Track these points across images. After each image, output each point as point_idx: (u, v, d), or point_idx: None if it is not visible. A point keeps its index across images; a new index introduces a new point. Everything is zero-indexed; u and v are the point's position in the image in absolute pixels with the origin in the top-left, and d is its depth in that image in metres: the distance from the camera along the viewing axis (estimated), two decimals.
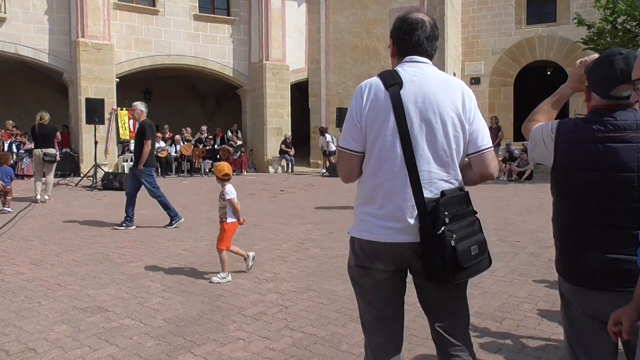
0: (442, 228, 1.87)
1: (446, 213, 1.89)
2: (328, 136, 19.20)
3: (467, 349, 2.06)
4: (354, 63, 20.46)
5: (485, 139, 2.02)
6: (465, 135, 1.99)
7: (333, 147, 19.36)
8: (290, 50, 20.38)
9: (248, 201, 10.91)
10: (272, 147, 19.66)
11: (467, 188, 2.07)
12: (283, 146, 19.43)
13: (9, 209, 9.05)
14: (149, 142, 7.53)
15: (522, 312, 3.97)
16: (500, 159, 15.33)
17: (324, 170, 18.00)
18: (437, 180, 1.94)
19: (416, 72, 1.98)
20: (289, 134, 19.74)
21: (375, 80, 2.00)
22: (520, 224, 7.62)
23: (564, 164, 1.86)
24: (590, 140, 1.81)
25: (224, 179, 5.16)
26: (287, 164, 19.80)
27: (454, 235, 1.88)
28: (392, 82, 1.95)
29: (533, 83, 19.43)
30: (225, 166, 5.28)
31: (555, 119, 2.07)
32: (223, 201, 5.14)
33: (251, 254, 5.28)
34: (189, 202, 10.72)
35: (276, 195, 12.10)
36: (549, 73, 20.00)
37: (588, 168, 1.80)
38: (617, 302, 1.76)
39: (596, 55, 1.95)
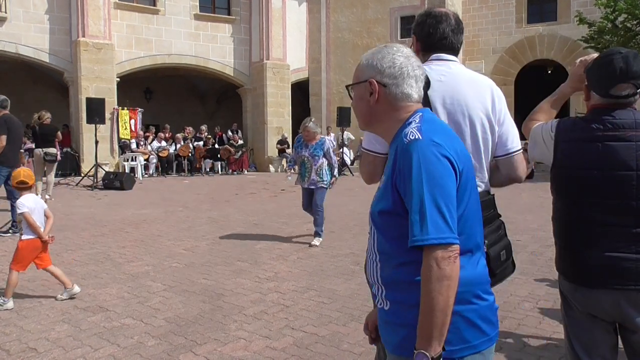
0: None
1: None
2: (333, 135, 19.26)
3: None
4: (354, 62, 20.41)
5: (515, 141, 1.96)
6: (495, 137, 1.93)
7: (333, 144, 19.44)
8: (290, 49, 20.37)
9: (249, 200, 10.91)
10: (273, 146, 19.67)
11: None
12: (279, 146, 19.45)
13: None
14: (3, 137, 7.04)
15: (523, 311, 3.97)
16: None
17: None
18: None
19: (444, 72, 1.92)
20: (285, 133, 19.74)
21: None
22: (521, 223, 7.61)
23: (563, 162, 1.87)
24: (589, 139, 1.81)
25: (20, 187, 4.34)
26: (288, 163, 19.81)
27: (486, 241, 1.81)
28: None
29: (534, 82, 19.41)
30: (21, 172, 4.42)
31: (556, 118, 2.07)
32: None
33: (76, 289, 4.31)
34: (189, 201, 10.72)
35: (277, 194, 12.10)
36: (549, 72, 19.98)
37: (587, 167, 1.80)
38: (617, 300, 1.77)
39: (596, 55, 1.95)
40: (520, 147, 1.99)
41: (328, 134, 19.52)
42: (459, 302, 1.30)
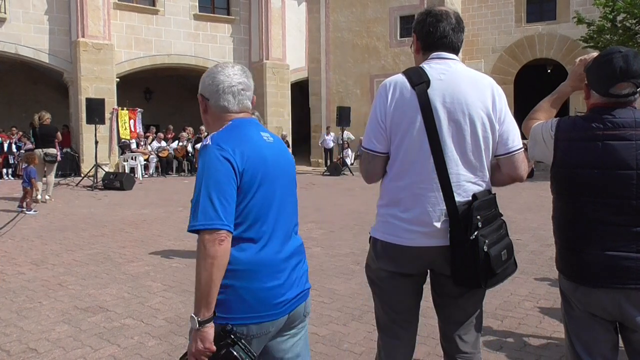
0: (475, 233, 1.83)
1: (478, 217, 1.84)
2: (332, 134, 19.28)
3: (477, 355, 2.04)
4: (354, 62, 20.46)
5: (515, 140, 1.95)
6: (495, 136, 1.93)
7: (331, 144, 19.47)
8: (290, 49, 20.37)
9: None
10: None
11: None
12: None
13: (29, 212, 8.89)
14: None
15: (524, 310, 3.97)
16: None
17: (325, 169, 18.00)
18: (465, 182, 1.89)
19: (444, 70, 1.91)
20: (285, 132, 19.73)
21: (401, 78, 1.92)
22: (521, 222, 7.61)
23: (563, 162, 1.86)
24: (589, 138, 1.81)
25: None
26: None
27: (486, 241, 1.84)
28: (419, 80, 1.88)
29: (533, 81, 19.40)
30: None
31: (556, 117, 2.06)
32: None
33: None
34: (189, 201, 10.69)
35: None
36: (549, 71, 19.98)
37: (587, 166, 1.80)
38: (617, 299, 1.77)
39: (596, 54, 1.94)
40: (521, 146, 1.98)
41: (328, 133, 19.52)
42: (234, 278, 1.57)
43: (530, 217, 8.17)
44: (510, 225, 8.08)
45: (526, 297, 4.26)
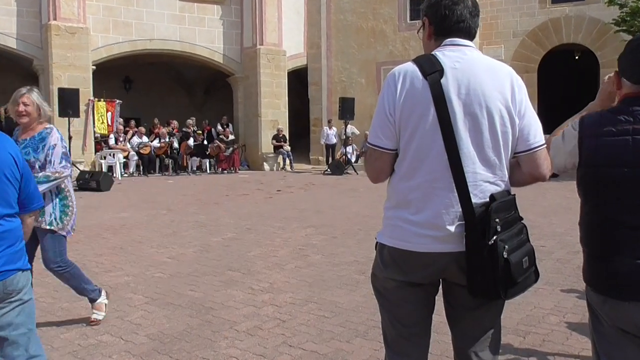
0: (494, 237, 1.83)
1: (497, 220, 1.85)
2: (334, 129, 19.25)
3: None
4: (358, 47, 20.47)
5: (537, 136, 1.96)
6: (515, 131, 1.93)
7: (334, 140, 19.40)
8: (287, 33, 20.40)
9: (241, 202, 10.93)
10: (268, 141, 19.71)
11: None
12: (274, 141, 19.46)
13: None
14: None
15: (549, 325, 3.98)
16: None
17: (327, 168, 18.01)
18: (483, 182, 1.90)
19: (459, 58, 1.92)
20: (281, 126, 19.73)
21: (411, 67, 1.93)
22: (545, 227, 7.62)
23: (589, 160, 1.86)
24: (617, 133, 1.81)
25: None
26: (284, 161, 19.82)
27: (506, 246, 1.84)
28: (432, 69, 1.89)
29: (559, 69, 19.45)
30: None
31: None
32: None
33: None
34: (174, 203, 10.74)
35: (272, 195, 12.11)
36: (577, 58, 19.98)
37: (616, 164, 1.80)
38: None
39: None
40: (544, 142, 1.98)
41: (330, 127, 19.52)
42: None
43: (555, 221, 8.18)
44: (533, 230, 8.05)
45: (551, 311, 4.27)
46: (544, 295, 4.61)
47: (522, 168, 2.01)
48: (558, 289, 4.81)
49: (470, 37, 2.01)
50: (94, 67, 17.10)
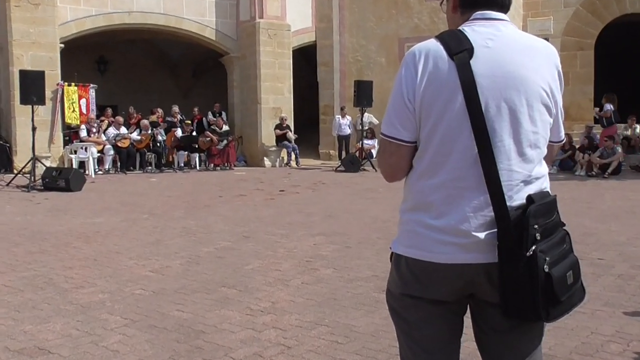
0: (533, 247, 1.82)
1: (536, 227, 1.84)
2: (348, 118, 19.26)
3: None
4: (377, 21, 20.45)
5: (562, 130, 2.06)
6: (551, 121, 1.98)
7: (348, 130, 19.40)
8: (292, 4, 20.42)
9: (236, 205, 10.94)
10: (269, 132, 19.73)
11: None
12: (278, 131, 19.47)
13: None
14: None
15: (609, 354, 3.95)
16: (578, 147, 15.24)
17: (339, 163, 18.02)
18: (519, 182, 1.90)
19: (491, 34, 1.93)
20: (284, 114, 19.73)
21: (434, 45, 1.93)
22: (603, 235, 7.56)
23: None
24: None
25: None
26: (288, 156, 19.85)
27: (547, 258, 1.83)
28: (459, 48, 1.89)
29: (621, 46, 19.30)
30: None
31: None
32: None
33: None
34: (158, 206, 10.77)
35: (274, 197, 12.13)
36: None
37: None
38: None
39: None
40: (564, 136, 2.07)
41: (343, 116, 19.51)
42: None
43: (616, 227, 8.12)
44: (589, 239, 8.01)
45: (612, 337, 4.24)
46: (602, 319, 4.58)
47: None
48: (620, 311, 4.78)
49: (504, 9, 2.01)
50: (62, 45, 17.19)
